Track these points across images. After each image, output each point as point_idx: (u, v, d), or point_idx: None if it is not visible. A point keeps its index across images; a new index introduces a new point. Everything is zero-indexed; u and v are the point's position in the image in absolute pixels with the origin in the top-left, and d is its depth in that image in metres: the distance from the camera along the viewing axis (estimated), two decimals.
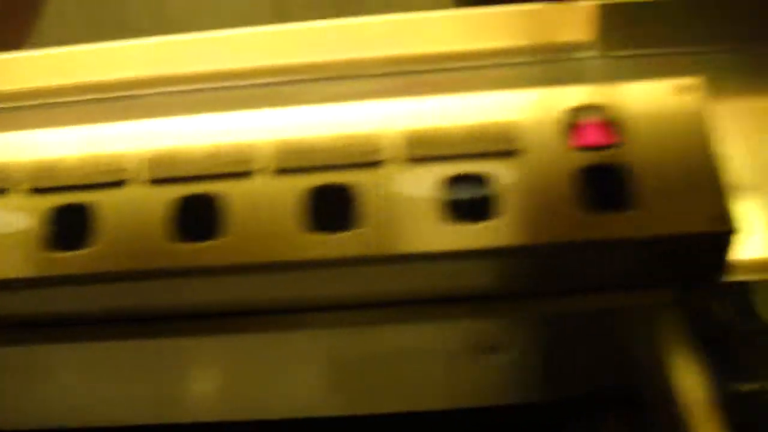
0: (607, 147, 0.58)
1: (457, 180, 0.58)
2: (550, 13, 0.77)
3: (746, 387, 0.53)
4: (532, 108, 0.59)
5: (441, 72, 0.73)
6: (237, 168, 0.58)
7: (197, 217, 0.58)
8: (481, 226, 0.56)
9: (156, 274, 0.57)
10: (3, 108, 0.72)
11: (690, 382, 0.54)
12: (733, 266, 0.58)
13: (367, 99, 0.64)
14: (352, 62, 0.74)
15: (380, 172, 0.58)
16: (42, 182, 0.59)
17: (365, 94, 0.71)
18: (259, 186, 0.58)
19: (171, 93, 0.68)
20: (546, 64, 0.73)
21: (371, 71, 0.74)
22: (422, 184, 0.57)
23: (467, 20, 0.77)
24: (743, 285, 0.58)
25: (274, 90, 0.69)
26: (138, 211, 0.58)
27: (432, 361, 0.62)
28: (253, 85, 0.69)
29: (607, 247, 0.56)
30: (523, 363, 0.62)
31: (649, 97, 0.60)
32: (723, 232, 0.56)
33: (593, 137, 0.59)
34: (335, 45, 0.73)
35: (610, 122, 0.59)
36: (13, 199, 0.58)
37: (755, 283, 0.63)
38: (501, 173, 0.57)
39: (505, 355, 0.61)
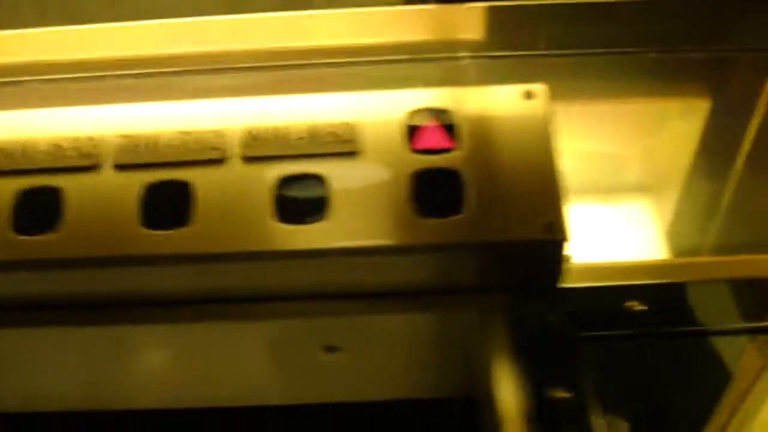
0: (447, 150, 0.59)
1: (295, 179, 0.58)
2: (437, 14, 0.78)
3: (561, 394, 0.53)
4: (374, 109, 0.60)
5: (314, 68, 0.73)
6: (80, 162, 0.59)
7: (38, 209, 0.58)
8: (311, 227, 0.57)
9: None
10: None
11: (508, 388, 0.54)
12: (566, 272, 0.59)
13: (239, 93, 0.64)
14: (231, 55, 0.74)
15: (218, 170, 0.58)
16: None
17: (238, 88, 0.72)
18: (102, 180, 0.59)
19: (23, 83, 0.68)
20: (422, 63, 0.74)
21: (249, 64, 0.74)
22: (258, 182, 0.58)
23: (352, 18, 0.77)
24: (575, 291, 0.59)
25: (138, 82, 0.70)
26: None
27: (272, 357, 0.62)
28: (111, 77, 0.70)
29: (437, 252, 0.57)
30: (362, 362, 0.62)
31: (493, 102, 0.60)
32: (554, 240, 0.56)
33: (433, 140, 0.59)
34: (207, 38, 0.73)
35: (452, 126, 0.59)
36: None
37: (657, 286, 0.63)
38: (338, 174, 0.58)
39: (345, 354, 0.61)
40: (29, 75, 0.69)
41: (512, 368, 0.55)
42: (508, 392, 0.54)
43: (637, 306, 0.59)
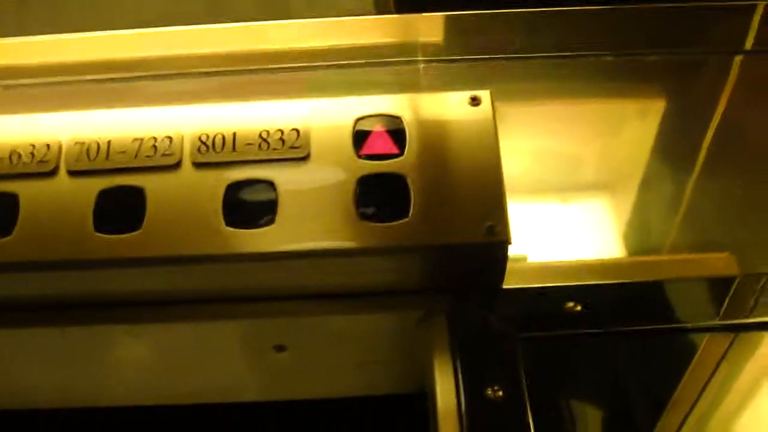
0: (393, 156, 0.60)
1: (244, 184, 0.60)
2: (396, 22, 0.79)
3: (495, 393, 0.55)
4: (324, 116, 0.61)
5: (272, 72, 0.75)
6: (37, 168, 0.60)
7: None
8: (261, 231, 0.58)
9: None
10: None
11: (448, 386, 0.56)
12: (512, 272, 0.60)
13: (197, 98, 0.66)
14: (190, 60, 0.76)
15: (169, 176, 0.60)
16: None
17: (196, 93, 0.74)
18: (56, 186, 0.60)
19: None
20: (378, 67, 0.75)
21: (206, 69, 0.76)
22: (209, 188, 0.59)
23: (311, 26, 0.79)
24: (518, 292, 0.60)
25: (98, 87, 0.71)
26: None
27: (225, 357, 0.64)
28: (71, 82, 0.71)
29: (382, 255, 0.58)
30: (312, 361, 0.64)
31: (441, 108, 0.62)
32: (497, 243, 0.58)
33: (380, 146, 0.60)
34: (168, 45, 0.75)
35: (399, 132, 0.61)
36: None
37: (599, 286, 0.64)
38: (287, 179, 0.59)
39: (295, 353, 0.63)
40: None
41: (452, 367, 0.57)
42: (447, 390, 0.56)
43: (578, 306, 0.60)
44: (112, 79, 0.72)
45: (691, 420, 0.62)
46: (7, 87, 0.71)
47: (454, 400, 0.55)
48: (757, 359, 0.65)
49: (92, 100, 0.69)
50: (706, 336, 0.65)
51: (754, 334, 0.66)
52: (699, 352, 0.65)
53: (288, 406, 0.67)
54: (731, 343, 0.65)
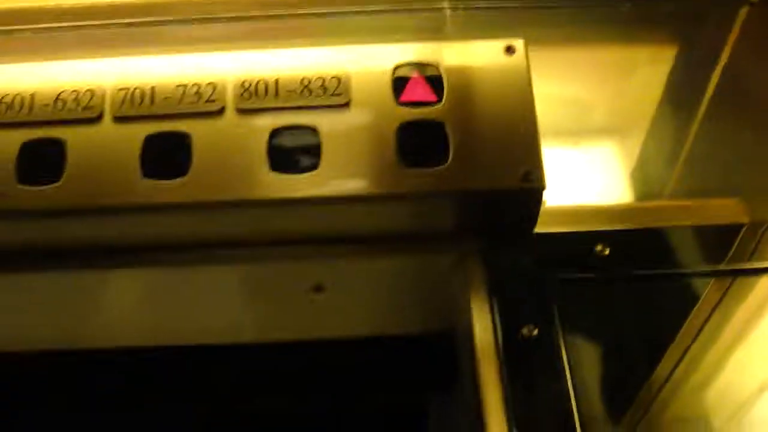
0: (431, 103, 0.62)
1: (287, 130, 0.61)
2: None
3: (531, 332, 0.58)
4: (363, 63, 0.63)
5: (300, 17, 0.75)
6: (82, 114, 0.61)
7: (42, 160, 0.61)
8: (304, 176, 0.60)
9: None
10: None
11: (485, 325, 0.59)
12: (543, 217, 0.63)
13: (230, 42, 0.67)
14: (222, 3, 0.76)
15: (214, 122, 0.61)
16: None
17: (229, 38, 0.74)
18: (102, 132, 0.61)
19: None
20: (403, 14, 0.76)
21: (238, 13, 0.76)
22: (253, 133, 0.61)
23: None
24: (550, 236, 0.63)
25: (131, 31, 0.71)
26: None
27: (267, 298, 0.67)
28: (104, 25, 0.71)
29: (421, 199, 0.60)
30: (350, 302, 0.67)
31: (477, 56, 0.63)
32: (532, 189, 0.60)
33: (419, 93, 0.62)
34: None
35: (437, 79, 0.62)
36: None
37: (626, 231, 0.67)
38: (328, 125, 0.61)
39: (329, 295, 0.65)
40: (20, 24, 0.70)
41: (488, 307, 0.60)
42: (484, 329, 0.59)
43: (606, 250, 0.63)
44: (145, 23, 0.72)
45: (691, 354, 0.66)
46: (38, 30, 0.71)
47: (491, 339, 0.58)
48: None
49: (127, 45, 0.69)
50: (711, 280, 0.69)
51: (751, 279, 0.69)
52: (704, 295, 0.69)
53: (318, 345, 0.70)
54: (729, 286, 0.68)
